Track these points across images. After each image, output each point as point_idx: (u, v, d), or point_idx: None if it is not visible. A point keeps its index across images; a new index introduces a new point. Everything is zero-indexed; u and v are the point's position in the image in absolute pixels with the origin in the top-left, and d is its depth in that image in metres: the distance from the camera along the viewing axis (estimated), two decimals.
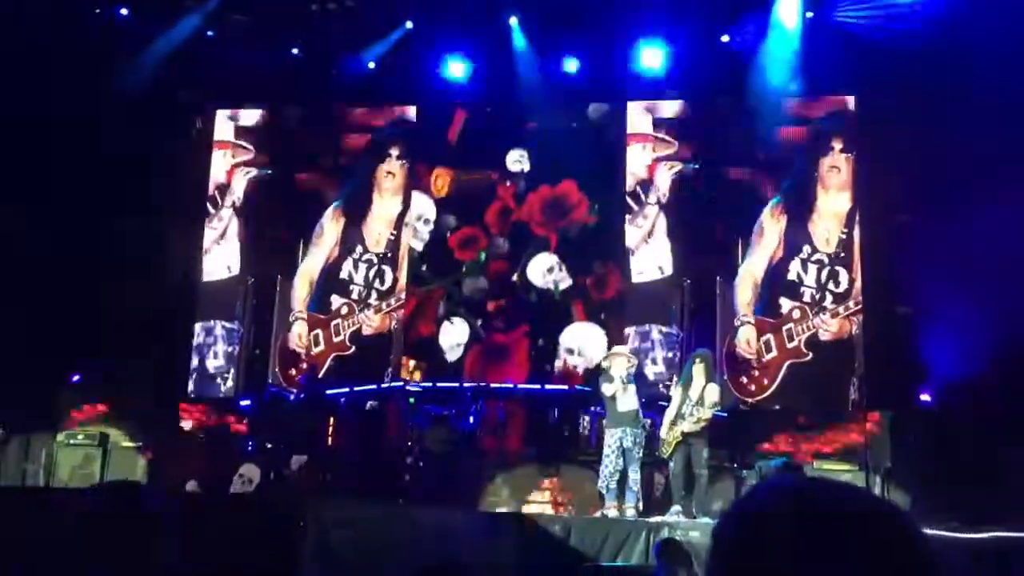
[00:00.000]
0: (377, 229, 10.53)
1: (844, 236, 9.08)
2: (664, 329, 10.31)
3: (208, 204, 12.64)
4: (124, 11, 12.60)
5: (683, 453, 9.29)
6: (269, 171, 12.08)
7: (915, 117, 11.25)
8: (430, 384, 11.89)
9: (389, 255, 10.44)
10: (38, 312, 11.90)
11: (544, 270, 12.43)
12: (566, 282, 12.32)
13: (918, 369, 10.67)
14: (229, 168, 12.52)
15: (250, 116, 12.63)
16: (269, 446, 10.33)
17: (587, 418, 10.82)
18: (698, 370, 9.46)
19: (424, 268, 12.30)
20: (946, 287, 10.34)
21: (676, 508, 9.17)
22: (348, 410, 10.88)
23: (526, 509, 10.01)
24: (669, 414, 9.46)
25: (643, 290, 11.01)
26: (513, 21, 12.72)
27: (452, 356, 11.78)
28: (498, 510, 10.13)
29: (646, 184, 11.74)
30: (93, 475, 10.60)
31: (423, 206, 12.35)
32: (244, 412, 11.63)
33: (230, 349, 10.92)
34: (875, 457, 9.87)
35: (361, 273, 10.25)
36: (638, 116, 11.95)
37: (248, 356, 11.08)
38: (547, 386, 11.97)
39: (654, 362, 10.22)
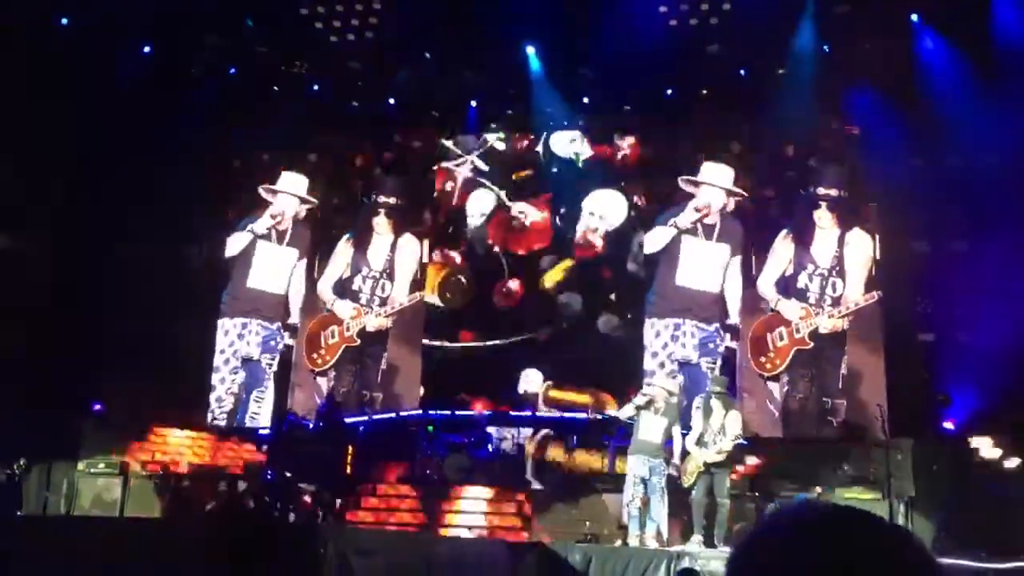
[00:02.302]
0: (378, 254, 12.77)
1: (837, 253, 11.37)
2: (700, 325, 11.96)
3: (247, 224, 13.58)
4: (147, 48, 12.86)
5: (705, 482, 9.22)
6: (309, 206, 13.64)
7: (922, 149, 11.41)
8: (448, 413, 11.91)
9: (388, 272, 12.65)
10: (60, 340, 12.02)
11: (567, 140, 13.31)
12: (587, 152, 13.24)
13: (940, 397, 10.61)
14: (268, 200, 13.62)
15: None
16: (288, 475, 10.33)
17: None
18: (717, 403, 9.46)
19: (452, 144, 13.63)
20: (968, 315, 10.31)
21: (697, 538, 9.08)
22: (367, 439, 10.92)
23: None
24: (690, 442, 9.41)
25: (684, 291, 12.18)
26: (531, 50, 12.95)
27: (473, 223, 13.36)
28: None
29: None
30: (114, 504, 10.62)
31: None
32: (264, 440, 11.67)
33: (271, 342, 12.83)
34: (898, 485, 9.77)
35: (368, 286, 12.59)
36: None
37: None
38: (566, 414, 11.97)
39: (683, 347, 11.90)
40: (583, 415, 11.93)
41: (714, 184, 12.24)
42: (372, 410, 12.55)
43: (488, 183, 13.52)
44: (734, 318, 11.91)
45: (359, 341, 12.40)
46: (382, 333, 12.50)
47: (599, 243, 13.15)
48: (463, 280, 13.37)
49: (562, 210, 13.34)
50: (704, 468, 9.22)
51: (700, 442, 9.35)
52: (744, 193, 12.21)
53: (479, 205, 13.48)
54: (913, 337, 11.60)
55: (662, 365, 11.99)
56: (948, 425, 10.70)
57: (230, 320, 12.77)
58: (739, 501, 9.68)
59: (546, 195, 13.43)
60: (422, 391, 12.92)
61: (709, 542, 8.97)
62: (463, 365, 13.14)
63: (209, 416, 12.97)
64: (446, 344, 13.18)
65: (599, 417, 11.85)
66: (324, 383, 12.65)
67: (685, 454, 9.38)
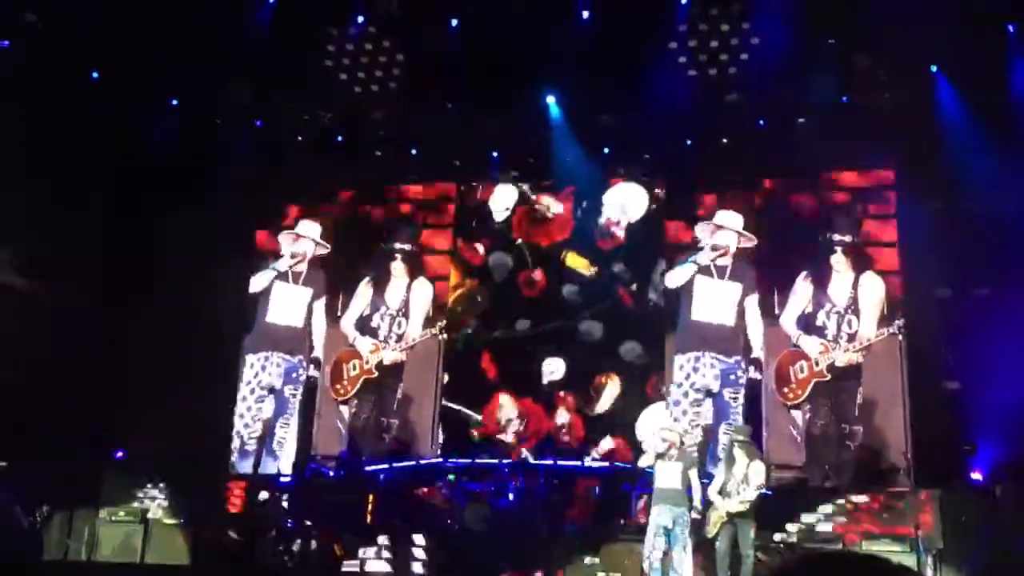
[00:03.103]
0: (395, 295, 13.79)
1: (852, 295, 12.35)
2: (719, 357, 12.67)
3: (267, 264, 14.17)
4: (174, 102, 13.17)
5: (729, 533, 9.12)
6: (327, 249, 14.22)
7: (949, 194, 11.51)
8: (469, 460, 11.92)
9: (403, 311, 13.67)
10: (82, 387, 12.13)
11: None
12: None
13: (967, 446, 10.50)
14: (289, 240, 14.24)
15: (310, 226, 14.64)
16: (309, 523, 10.33)
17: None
18: (740, 452, 9.39)
19: None
20: (994, 362, 10.25)
21: None
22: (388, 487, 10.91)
23: None
24: (712, 492, 9.33)
25: (700, 326, 12.83)
26: (551, 100, 13.15)
27: (498, 217, 14.29)
28: None
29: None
30: (135, 553, 10.61)
31: None
32: (284, 488, 11.66)
33: (293, 373, 13.57)
34: (927, 538, 9.63)
35: (386, 323, 13.61)
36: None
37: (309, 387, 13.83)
38: (587, 462, 11.92)
39: (703, 377, 12.60)
40: (605, 463, 11.88)
41: (728, 227, 12.99)
42: (390, 436, 13.04)
43: (512, 178, 14.29)
44: (757, 352, 12.61)
45: (377, 373, 13.38)
46: (398, 366, 13.50)
47: (621, 235, 13.84)
48: (478, 299, 14.04)
49: (584, 203, 14.01)
50: (727, 518, 9.12)
51: (723, 492, 9.26)
52: (753, 237, 12.84)
53: (503, 200, 14.29)
54: (939, 385, 11.57)
55: (686, 395, 12.48)
56: (976, 475, 10.57)
57: (254, 355, 13.64)
58: (763, 552, 9.54)
59: (568, 187, 14.07)
60: (447, 378, 13.67)
61: None
62: (486, 355, 13.77)
63: (234, 444, 13.11)
64: (469, 332, 13.88)
65: (620, 465, 11.80)
66: (346, 411, 13.50)
67: (708, 504, 9.29)
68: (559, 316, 13.66)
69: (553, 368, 13.55)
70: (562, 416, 13.33)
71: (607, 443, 13.11)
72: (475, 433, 13.44)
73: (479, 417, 13.39)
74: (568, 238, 13.95)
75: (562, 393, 13.45)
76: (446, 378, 13.61)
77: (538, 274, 13.98)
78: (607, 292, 13.61)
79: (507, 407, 13.47)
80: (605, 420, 13.22)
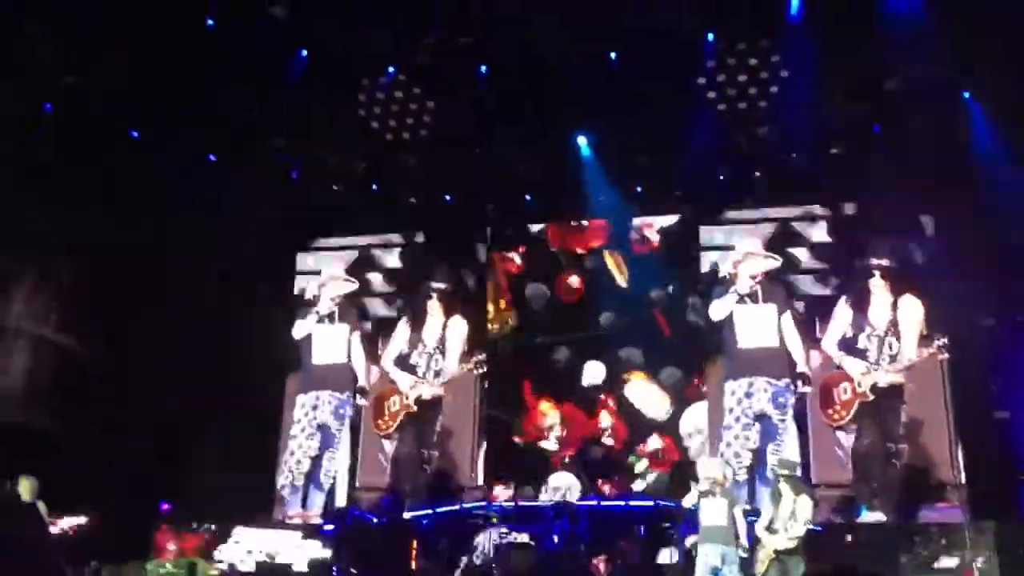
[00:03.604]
0: (432, 333, 13.78)
1: (891, 317, 12.15)
2: (771, 380, 12.21)
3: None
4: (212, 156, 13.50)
5: (778, 570, 8.98)
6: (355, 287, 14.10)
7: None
8: (512, 504, 11.89)
9: (440, 348, 13.68)
10: (128, 439, 12.27)
11: None
12: None
13: (1022, 476, 10.33)
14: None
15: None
16: (354, 572, 10.31)
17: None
18: (786, 487, 9.28)
19: None
20: None
21: None
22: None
23: None
24: (759, 529, 9.22)
25: (748, 352, 12.42)
26: (582, 140, 13.28)
27: (535, 227, 14.93)
28: None
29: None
30: None
31: None
32: (327, 537, 11.66)
33: (341, 410, 13.35)
34: (983, 570, 9.42)
35: (424, 360, 13.58)
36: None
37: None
38: (631, 502, 11.85)
39: (759, 401, 12.23)
40: (650, 503, 11.78)
41: (754, 253, 12.78)
42: (431, 467, 13.09)
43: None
44: (802, 366, 12.43)
45: (417, 408, 13.43)
46: (437, 400, 13.56)
47: (655, 239, 14.24)
48: (511, 320, 14.69)
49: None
50: (775, 556, 9.00)
51: (770, 528, 9.14)
52: (777, 257, 12.72)
53: None
54: (987, 414, 11.40)
55: (737, 420, 12.30)
56: None
57: (304, 395, 13.59)
58: None
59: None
60: (487, 385, 14.05)
61: None
62: (525, 361, 14.34)
63: (284, 480, 13.20)
64: (508, 343, 14.46)
65: (665, 503, 11.69)
66: (388, 445, 13.81)
67: (756, 541, 9.18)
68: (597, 333, 14.14)
69: (593, 371, 14.02)
70: (604, 419, 13.79)
71: (654, 442, 13.53)
72: (518, 440, 13.97)
73: (520, 423, 13.99)
74: (604, 244, 14.46)
75: (603, 396, 13.87)
76: (486, 385, 14.08)
77: (575, 280, 14.52)
78: (644, 318, 13.88)
79: (548, 413, 13.93)
80: (648, 420, 13.66)
